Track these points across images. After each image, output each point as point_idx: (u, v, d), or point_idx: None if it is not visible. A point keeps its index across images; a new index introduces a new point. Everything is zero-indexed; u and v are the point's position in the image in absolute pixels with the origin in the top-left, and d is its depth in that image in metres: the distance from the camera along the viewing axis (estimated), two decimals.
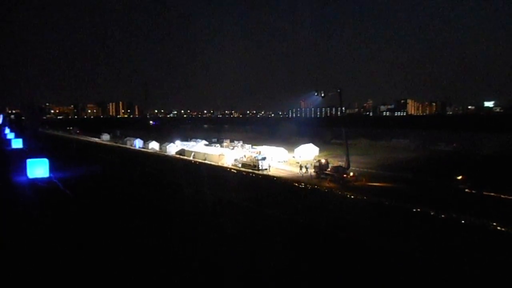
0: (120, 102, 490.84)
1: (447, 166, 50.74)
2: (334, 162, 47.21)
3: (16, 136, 66.60)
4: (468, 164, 51.16)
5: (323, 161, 44.18)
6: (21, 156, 48.23)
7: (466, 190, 33.62)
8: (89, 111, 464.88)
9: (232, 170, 52.93)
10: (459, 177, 36.64)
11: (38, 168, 36.81)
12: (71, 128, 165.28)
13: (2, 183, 33.94)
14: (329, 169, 42.34)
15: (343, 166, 42.00)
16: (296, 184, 39.78)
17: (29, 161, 36.84)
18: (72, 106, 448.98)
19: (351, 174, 40.15)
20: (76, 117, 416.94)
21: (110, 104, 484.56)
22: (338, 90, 42.62)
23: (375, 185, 38.10)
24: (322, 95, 43.67)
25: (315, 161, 51.55)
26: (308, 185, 38.70)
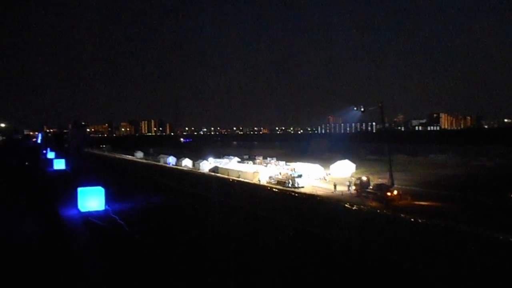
0: (152, 120, 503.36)
1: (493, 182, 47.91)
2: (374, 179, 45.49)
3: (57, 156, 61.77)
4: None
5: (364, 178, 42.58)
6: (67, 181, 41.83)
7: None
8: (123, 129, 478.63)
9: (273, 189, 50.88)
10: None
11: (91, 199, 28.24)
12: (104, 146, 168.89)
13: (47, 220, 24.66)
14: (371, 187, 40.70)
15: (386, 183, 40.24)
16: (348, 206, 37.17)
17: (80, 190, 28.22)
18: (106, 124, 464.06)
19: (395, 192, 38.32)
20: (114, 135, 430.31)
21: (143, 122, 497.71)
22: (380, 104, 41.26)
23: (423, 204, 36.14)
24: (362, 109, 42.43)
25: (354, 178, 49.98)
26: (360, 206, 36.70)
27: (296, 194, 45.54)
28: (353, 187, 43.10)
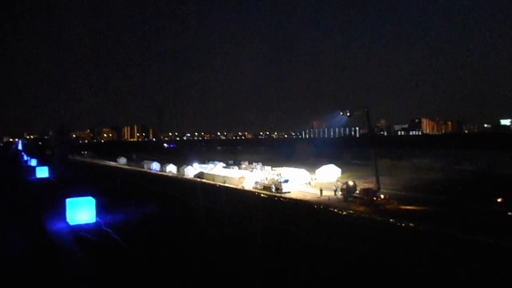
0: (135, 126, 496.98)
1: (477, 187, 48.58)
2: (360, 184, 45.53)
3: (40, 164, 55.36)
4: (498, 184, 49.11)
5: (351, 183, 42.57)
6: (52, 190, 36.90)
7: (510, 213, 31.52)
8: (105, 135, 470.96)
9: (262, 194, 49.67)
10: (499, 200, 34.60)
11: (81, 211, 24.95)
12: (85, 152, 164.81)
13: (32, 235, 21.38)
14: (357, 192, 40.67)
15: (373, 188, 40.26)
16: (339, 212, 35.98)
17: (69, 201, 24.86)
18: (88, 130, 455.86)
19: (382, 196, 38.37)
20: (95, 141, 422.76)
21: (125, 128, 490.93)
22: (366, 109, 41.38)
23: (409, 209, 36.21)
24: (348, 114, 42.47)
25: (340, 183, 49.93)
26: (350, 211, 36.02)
27: (287, 200, 44.58)
28: (340, 192, 42.99)
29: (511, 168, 68.14)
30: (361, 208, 37.18)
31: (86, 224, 23.80)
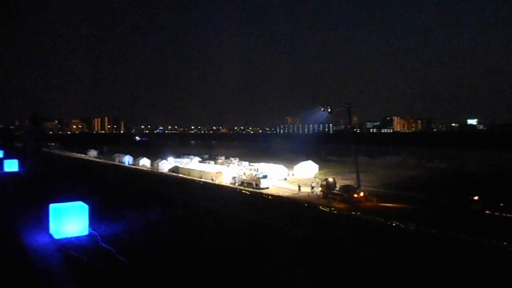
0: (106, 118, 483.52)
1: (451, 184, 49.47)
2: (338, 181, 45.33)
3: (7, 156, 42.61)
4: (469, 182, 50.33)
5: (330, 179, 42.27)
6: (25, 190, 27.03)
7: (487, 212, 31.96)
8: (74, 126, 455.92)
9: (243, 191, 46.87)
10: (476, 198, 35.09)
11: (70, 221, 17.88)
12: (52, 144, 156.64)
13: (5, 253, 14.74)
14: (337, 189, 40.38)
15: (352, 185, 40.08)
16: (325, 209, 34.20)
17: (53, 208, 17.39)
18: (56, 121, 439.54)
19: (362, 194, 38.21)
20: (60, 132, 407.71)
21: (95, 119, 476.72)
22: (347, 105, 41.05)
23: (389, 206, 36.20)
24: (329, 110, 42.05)
25: (318, 179, 49.64)
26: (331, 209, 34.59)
27: (269, 197, 42.85)
28: (319, 188, 42.61)
29: (479, 166, 70.44)
30: (341, 205, 36.90)
31: (77, 238, 16.45)
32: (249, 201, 36.99)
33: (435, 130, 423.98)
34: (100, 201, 22.87)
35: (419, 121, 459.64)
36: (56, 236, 16.56)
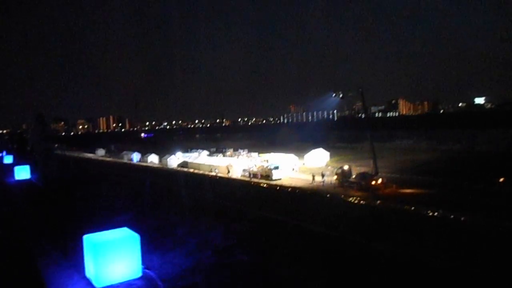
0: (111, 117, 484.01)
1: (468, 166, 47.95)
2: (353, 168, 43.98)
3: (17, 161, 36.69)
4: (485, 163, 48.77)
5: (346, 167, 40.97)
6: (43, 205, 20.41)
7: None
8: (80, 126, 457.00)
9: (261, 184, 44.50)
10: (501, 180, 33.61)
11: (115, 258, 10.26)
12: (56, 145, 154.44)
13: None
14: (353, 177, 39.12)
15: (369, 172, 38.79)
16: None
17: (88, 239, 10.51)
18: (62, 122, 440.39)
19: (380, 180, 36.91)
20: (63, 134, 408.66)
21: (101, 119, 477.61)
22: (360, 89, 39.55)
23: (409, 192, 34.92)
24: (341, 95, 40.59)
25: (330, 167, 48.48)
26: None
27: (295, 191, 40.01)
28: (334, 177, 41.35)
29: (491, 145, 68.63)
30: (359, 193, 35.67)
31: (127, 285, 10.43)
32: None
33: (442, 111, 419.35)
34: (141, 217, 17.46)
35: (425, 103, 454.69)
36: (97, 284, 10.26)
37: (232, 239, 15.84)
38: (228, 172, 54.75)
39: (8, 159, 43.99)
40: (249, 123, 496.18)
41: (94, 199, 22.85)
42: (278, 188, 42.08)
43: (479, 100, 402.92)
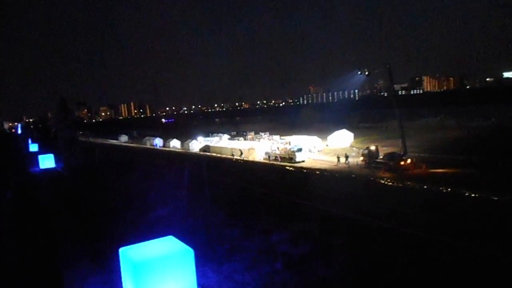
0: (132, 103, 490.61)
1: (501, 143, 45.54)
2: (379, 148, 42.51)
3: (42, 149, 35.23)
4: None
5: (373, 148, 39.69)
6: (71, 201, 17.02)
7: None
8: (103, 113, 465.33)
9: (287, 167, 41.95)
10: None
11: (164, 278, 6.99)
12: (81, 132, 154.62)
13: None
14: (380, 157, 37.79)
15: (398, 152, 37.36)
16: None
17: (125, 253, 7.43)
18: (85, 110, 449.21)
19: (409, 161, 35.47)
20: (94, 120, 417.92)
21: (122, 105, 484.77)
22: (387, 66, 37.74)
23: (440, 172, 33.42)
24: (367, 73, 38.93)
25: (355, 148, 47.19)
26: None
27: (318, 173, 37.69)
28: (361, 158, 40.11)
29: None
30: (387, 174, 34.42)
31: None
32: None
33: (468, 87, 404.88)
34: (181, 214, 13.85)
35: (451, 79, 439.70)
36: None
37: (300, 244, 10.94)
38: (232, 155, 54.22)
39: (33, 147, 43.32)
40: (268, 106, 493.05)
41: (127, 193, 18.47)
42: (305, 171, 39.86)
43: (509, 74, 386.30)
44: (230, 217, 13.65)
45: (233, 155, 57.30)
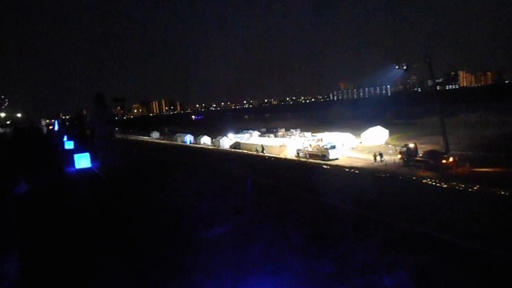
0: (163, 100, 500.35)
1: None
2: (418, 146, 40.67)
3: (78, 148, 33.70)
4: None
5: (411, 145, 38.05)
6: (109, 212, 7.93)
7: None
8: (135, 111, 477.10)
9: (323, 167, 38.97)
10: None
11: None
12: (117, 129, 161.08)
13: None
14: (420, 155, 36.16)
15: (439, 149, 35.64)
16: None
17: None
18: (119, 107, 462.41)
19: (451, 159, 33.70)
20: (125, 117, 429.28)
21: (154, 102, 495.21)
22: (427, 60, 36.01)
23: (486, 171, 31.50)
24: (405, 67, 37.32)
25: (391, 145, 45.54)
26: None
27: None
28: (399, 156, 38.56)
29: None
30: (428, 173, 32.80)
31: None
32: None
33: (507, 81, 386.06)
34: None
35: (489, 73, 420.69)
36: None
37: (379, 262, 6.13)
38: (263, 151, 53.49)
39: (69, 145, 43.05)
40: (298, 102, 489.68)
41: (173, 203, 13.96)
42: (347, 170, 37.32)
43: None
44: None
45: (257, 151, 56.50)
